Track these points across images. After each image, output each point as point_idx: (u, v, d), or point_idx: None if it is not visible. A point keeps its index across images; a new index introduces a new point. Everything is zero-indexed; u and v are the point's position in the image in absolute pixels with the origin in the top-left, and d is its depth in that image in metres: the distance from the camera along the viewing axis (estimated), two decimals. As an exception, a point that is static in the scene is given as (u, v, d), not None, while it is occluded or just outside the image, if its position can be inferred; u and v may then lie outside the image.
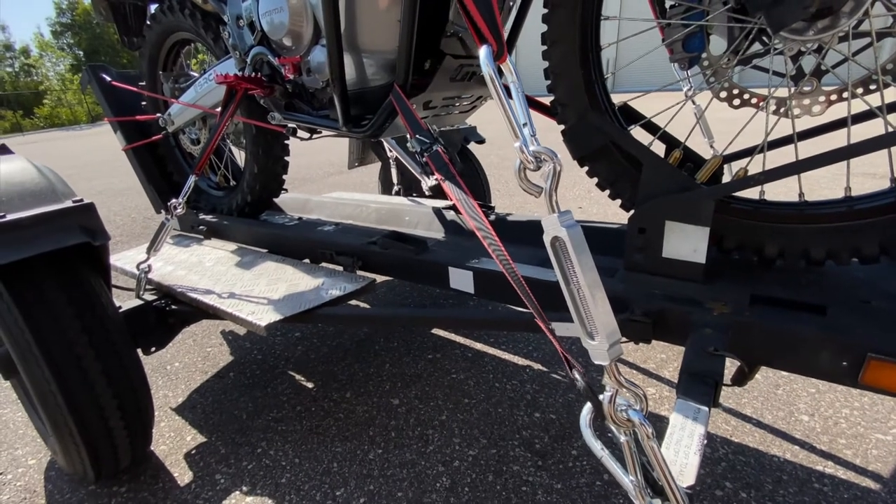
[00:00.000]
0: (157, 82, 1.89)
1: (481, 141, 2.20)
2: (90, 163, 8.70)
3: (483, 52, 0.56)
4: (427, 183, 1.86)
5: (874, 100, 0.85)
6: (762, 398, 1.48)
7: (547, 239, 0.48)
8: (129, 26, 1.96)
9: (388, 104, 1.08)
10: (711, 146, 1.55)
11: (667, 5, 0.98)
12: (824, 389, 1.50)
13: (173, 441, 1.45)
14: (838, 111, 0.91)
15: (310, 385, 1.68)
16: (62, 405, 1.00)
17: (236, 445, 1.41)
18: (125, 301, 1.37)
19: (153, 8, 1.88)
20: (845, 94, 0.85)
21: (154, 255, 1.39)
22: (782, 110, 0.89)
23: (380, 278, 1.46)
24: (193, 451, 1.40)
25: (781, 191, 0.96)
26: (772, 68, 0.93)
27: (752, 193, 0.94)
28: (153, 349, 1.37)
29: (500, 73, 0.55)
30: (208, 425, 1.51)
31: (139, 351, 1.28)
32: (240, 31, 1.31)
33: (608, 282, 1.00)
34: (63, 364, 0.99)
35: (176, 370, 1.84)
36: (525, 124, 0.51)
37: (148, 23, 1.83)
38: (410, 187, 2.41)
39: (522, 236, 1.32)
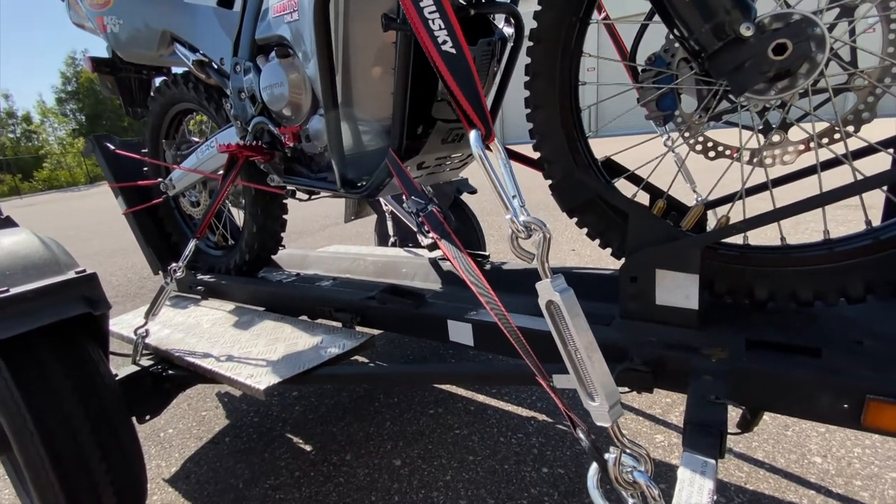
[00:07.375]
0: (160, 149, 1.97)
1: (473, 191, 2.27)
2: (85, 223, 8.77)
3: (472, 136, 0.61)
4: (424, 241, 1.90)
5: (844, 147, 0.91)
6: (773, 441, 1.46)
7: (542, 303, 0.50)
8: (134, 98, 2.07)
9: (384, 167, 1.14)
10: (694, 191, 1.61)
11: (639, 69, 1.05)
12: (833, 429, 1.47)
13: (166, 516, 1.38)
14: (811, 158, 0.96)
15: (308, 448, 1.63)
16: (54, 483, 0.97)
17: (232, 518, 1.35)
18: (121, 367, 1.35)
19: (157, 81, 1.99)
20: (812, 144, 0.91)
21: (152, 319, 1.39)
22: (755, 160, 0.95)
23: (378, 331, 1.45)
24: (187, 527, 1.33)
25: (765, 231, 1.00)
26: (741, 123, 1.00)
27: (736, 239, 0.97)
28: (148, 417, 1.34)
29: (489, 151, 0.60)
30: (202, 497, 1.44)
31: (134, 419, 1.25)
32: (241, 102, 1.39)
33: (605, 330, 1.01)
34: (58, 440, 0.97)
35: (169, 437, 1.78)
36: (514, 196, 0.55)
37: (152, 95, 1.93)
38: (406, 238, 2.45)
39: (519, 285, 1.33)
